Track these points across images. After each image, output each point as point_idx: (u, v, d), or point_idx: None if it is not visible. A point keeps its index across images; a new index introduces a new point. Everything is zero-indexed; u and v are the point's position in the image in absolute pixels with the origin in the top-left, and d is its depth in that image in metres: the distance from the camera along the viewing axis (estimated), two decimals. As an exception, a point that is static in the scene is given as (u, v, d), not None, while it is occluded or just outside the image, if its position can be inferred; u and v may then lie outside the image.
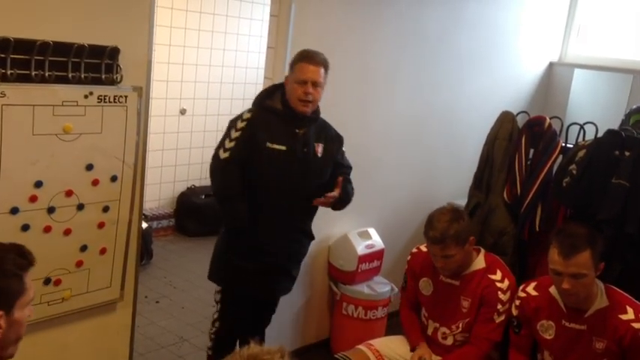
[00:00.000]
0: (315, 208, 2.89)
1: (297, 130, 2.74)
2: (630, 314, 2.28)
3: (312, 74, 2.69)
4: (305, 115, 2.74)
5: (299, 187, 2.76)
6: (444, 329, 2.72)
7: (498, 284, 2.61)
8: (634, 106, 4.03)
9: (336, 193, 2.78)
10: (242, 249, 2.78)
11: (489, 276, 2.64)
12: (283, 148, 2.70)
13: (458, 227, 2.54)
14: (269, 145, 2.69)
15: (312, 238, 2.97)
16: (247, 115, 2.74)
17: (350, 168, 2.99)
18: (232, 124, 2.75)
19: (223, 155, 2.69)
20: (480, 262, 2.68)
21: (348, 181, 2.91)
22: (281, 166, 2.71)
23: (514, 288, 2.61)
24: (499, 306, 2.59)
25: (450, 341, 2.71)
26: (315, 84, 2.71)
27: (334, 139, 2.91)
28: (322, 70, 2.73)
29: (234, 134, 2.70)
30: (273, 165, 2.70)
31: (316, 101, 2.77)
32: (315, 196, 2.77)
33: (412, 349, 2.75)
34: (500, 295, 2.59)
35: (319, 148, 2.81)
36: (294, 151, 2.72)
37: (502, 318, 2.58)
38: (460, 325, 2.67)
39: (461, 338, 2.69)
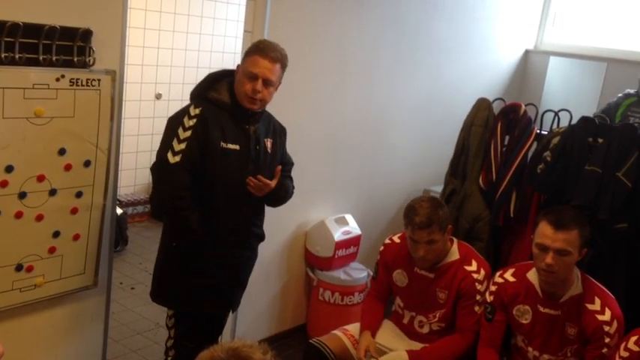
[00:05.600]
0: (264, 208, 2.67)
1: (247, 127, 2.48)
2: (597, 305, 2.31)
3: (263, 70, 2.39)
4: (253, 111, 2.48)
5: (255, 194, 2.53)
6: (420, 317, 2.73)
7: (475, 275, 2.61)
8: (620, 95, 4.02)
9: (272, 183, 2.52)
10: (196, 264, 2.50)
11: (465, 267, 2.63)
12: (237, 147, 2.44)
13: (442, 213, 2.56)
14: (223, 145, 2.41)
15: (262, 239, 2.73)
16: (196, 111, 2.41)
17: (292, 164, 2.77)
18: (176, 122, 2.42)
19: (173, 159, 2.36)
20: (454, 253, 2.66)
21: (290, 179, 2.72)
22: (235, 168, 2.45)
23: (490, 277, 2.62)
24: (478, 297, 2.59)
25: (426, 329, 2.72)
26: (267, 82, 2.41)
27: (281, 132, 2.66)
28: (277, 67, 2.43)
29: (184, 134, 2.38)
30: (228, 167, 2.44)
31: (266, 102, 2.47)
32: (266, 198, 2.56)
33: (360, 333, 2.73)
34: (478, 286, 2.60)
35: (269, 144, 2.57)
36: (248, 150, 2.47)
37: (483, 308, 2.59)
38: (437, 315, 2.68)
39: (437, 328, 2.70)
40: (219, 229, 2.48)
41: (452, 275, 2.63)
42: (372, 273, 3.76)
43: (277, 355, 1.34)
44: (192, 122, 2.39)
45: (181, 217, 2.41)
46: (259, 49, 2.41)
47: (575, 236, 2.26)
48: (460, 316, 2.63)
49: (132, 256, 4.80)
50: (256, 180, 2.47)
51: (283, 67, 2.47)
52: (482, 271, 2.63)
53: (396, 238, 2.81)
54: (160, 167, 2.42)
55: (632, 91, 3.92)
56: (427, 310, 2.70)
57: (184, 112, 2.43)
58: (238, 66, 2.48)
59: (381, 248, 2.85)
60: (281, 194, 2.62)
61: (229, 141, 2.43)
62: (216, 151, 2.41)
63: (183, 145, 2.37)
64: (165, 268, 2.61)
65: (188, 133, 2.38)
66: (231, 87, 2.48)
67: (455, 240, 2.72)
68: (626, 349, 2.17)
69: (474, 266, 2.64)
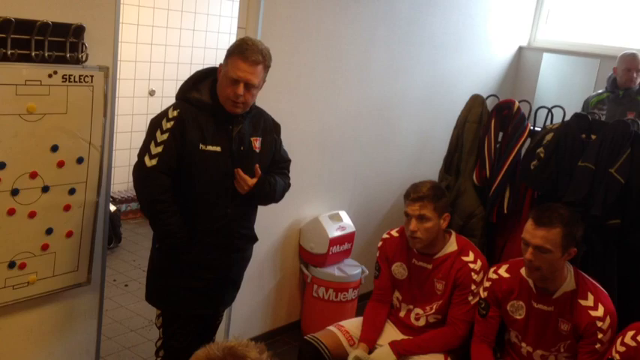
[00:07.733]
0: (255, 209, 2.65)
1: (230, 127, 2.43)
2: (590, 301, 2.32)
3: (245, 74, 2.32)
4: (235, 114, 2.43)
5: (238, 190, 2.48)
6: (417, 310, 2.74)
7: (471, 265, 2.65)
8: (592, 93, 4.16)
9: (250, 180, 2.45)
10: (180, 266, 2.48)
11: (462, 258, 2.66)
12: (218, 149, 2.40)
13: (439, 193, 2.63)
14: (202, 147, 2.38)
15: (255, 240, 2.70)
16: (174, 113, 2.38)
17: (288, 161, 2.70)
18: (156, 124, 2.40)
19: (150, 162, 2.35)
20: (452, 244, 2.70)
21: (285, 175, 2.66)
22: (216, 169, 2.41)
23: (486, 268, 2.65)
24: (473, 287, 2.62)
25: (422, 322, 2.73)
26: (249, 86, 2.35)
27: (271, 129, 2.59)
28: (259, 69, 2.36)
29: (161, 137, 2.36)
30: (208, 169, 2.40)
31: (248, 104, 2.42)
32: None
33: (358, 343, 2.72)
34: (474, 276, 2.63)
35: (257, 143, 2.51)
36: (231, 152, 2.43)
37: (476, 299, 2.61)
38: (434, 307, 2.69)
39: (433, 320, 2.71)
40: (202, 231, 2.45)
41: (449, 265, 2.66)
42: (366, 269, 3.78)
43: (274, 354, 1.33)
44: (169, 125, 2.37)
45: (160, 221, 2.40)
46: (240, 51, 2.34)
47: (556, 235, 2.26)
48: (453, 305, 2.65)
49: (125, 253, 4.78)
50: (238, 174, 2.43)
51: (266, 67, 2.40)
52: (479, 262, 2.66)
53: (394, 232, 2.83)
54: (137, 171, 2.42)
55: (601, 90, 4.03)
56: (425, 301, 2.72)
57: (164, 114, 2.41)
58: (221, 65, 2.42)
59: (380, 243, 2.86)
60: (264, 192, 2.52)
61: (209, 142, 2.39)
62: (195, 154, 2.38)
63: (160, 149, 2.36)
64: (152, 269, 2.62)
65: (165, 136, 2.36)
66: (214, 86, 2.43)
67: (453, 232, 2.75)
68: (623, 343, 2.18)
69: (471, 257, 2.67)
